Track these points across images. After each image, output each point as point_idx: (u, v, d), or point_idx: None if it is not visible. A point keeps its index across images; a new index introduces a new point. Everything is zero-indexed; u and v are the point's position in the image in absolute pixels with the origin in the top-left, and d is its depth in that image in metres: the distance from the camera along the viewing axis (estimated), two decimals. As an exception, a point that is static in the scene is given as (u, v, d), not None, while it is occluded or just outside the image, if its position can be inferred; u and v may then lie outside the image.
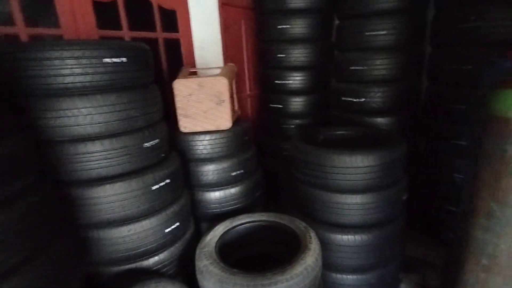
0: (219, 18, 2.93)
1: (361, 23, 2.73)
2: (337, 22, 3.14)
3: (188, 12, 2.70)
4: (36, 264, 1.21)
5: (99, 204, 1.57)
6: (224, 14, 3.00)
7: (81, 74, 1.36)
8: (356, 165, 1.84)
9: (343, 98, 2.85)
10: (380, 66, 2.68)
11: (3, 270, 1.11)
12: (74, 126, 1.43)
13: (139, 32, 2.34)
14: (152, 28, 2.49)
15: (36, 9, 2.04)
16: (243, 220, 2.04)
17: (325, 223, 2.03)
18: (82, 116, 1.42)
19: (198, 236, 2.13)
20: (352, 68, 2.78)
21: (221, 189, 2.28)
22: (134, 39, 2.28)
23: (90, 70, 1.37)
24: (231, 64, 2.40)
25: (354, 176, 1.87)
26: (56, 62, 1.31)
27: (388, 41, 2.67)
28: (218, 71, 2.37)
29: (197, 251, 1.74)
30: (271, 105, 3.33)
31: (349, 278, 2.06)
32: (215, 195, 2.27)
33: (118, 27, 2.21)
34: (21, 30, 1.69)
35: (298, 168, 2.13)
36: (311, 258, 1.62)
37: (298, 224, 1.90)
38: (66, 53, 1.31)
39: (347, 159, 1.85)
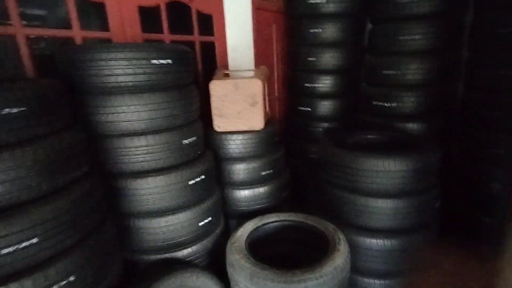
0: (252, 22, 3.01)
1: (395, 27, 2.71)
2: (369, 26, 3.13)
3: (224, 16, 2.80)
4: (88, 245, 1.33)
5: (140, 195, 1.68)
6: (257, 18, 3.08)
7: (132, 74, 1.48)
8: (388, 169, 1.84)
9: (373, 102, 2.84)
10: (414, 70, 2.64)
11: (63, 248, 1.23)
12: (123, 122, 1.55)
13: (178, 36, 2.47)
14: (190, 32, 2.61)
15: (87, 14, 2.21)
16: (272, 219, 2.08)
17: (354, 226, 2.03)
18: (131, 113, 1.53)
19: (226, 232, 2.20)
20: (385, 72, 2.76)
21: (250, 188, 2.34)
22: (173, 41, 2.41)
23: (139, 70, 1.49)
24: (264, 66, 2.48)
25: (386, 180, 1.87)
26: (111, 62, 1.43)
27: (423, 45, 2.63)
28: (251, 73, 2.45)
29: (228, 246, 1.81)
30: (299, 108, 3.36)
31: (377, 283, 2.05)
32: (244, 193, 2.34)
33: (160, 30, 2.35)
34: (77, 33, 1.85)
35: (327, 171, 2.16)
36: (340, 259, 1.64)
37: (326, 226, 1.92)
38: (120, 55, 1.43)
39: (379, 163, 1.85)
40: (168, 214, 1.76)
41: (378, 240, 1.95)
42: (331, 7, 2.96)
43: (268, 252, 2.19)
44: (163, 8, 2.30)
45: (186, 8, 2.55)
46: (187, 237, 1.85)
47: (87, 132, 1.54)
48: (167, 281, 1.52)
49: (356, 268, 2.04)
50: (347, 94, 3.27)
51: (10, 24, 1.62)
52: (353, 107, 3.32)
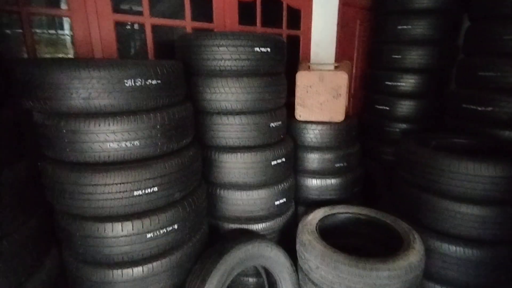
0: (337, 18, 3.04)
1: (499, 25, 2.48)
2: (467, 24, 2.90)
3: (311, 11, 2.89)
4: (189, 202, 1.57)
5: (229, 168, 1.89)
6: (342, 13, 3.10)
7: (237, 59, 1.67)
8: (479, 174, 1.74)
9: (464, 105, 2.64)
10: (518, 73, 2.40)
11: (172, 200, 1.49)
12: (223, 101, 1.76)
13: (268, 28, 2.65)
14: (278, 25, 2.76)
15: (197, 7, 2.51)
16: (343, 210, 2.13)
17: (431, 229, 1.97)
18: (231, 94, 1.74)
19: (295, 216, 2.31)
20: (481, 73, 2.55)
21: (323, 178, 2.41)
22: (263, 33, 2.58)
23: (243, 56, 1.68)
24: (347, 61, 2.50)
25: (475, 185, 1.77)
26: (222, 49, 1.65)
27: (532, 46, 2.36)
28: (332, 67, 2.50)
29: (300, 227, 1.92)
30: (377, 107, 3.29)
31: (450, 292, 1.96)
32: (316, 182, 2.41)
33: (253, 22, 2.55)
34: (188, 23, 2.14)
35: (407, 171, 2.11)
36: (414, 257, 1.63)
37: (400, 224, 1.90)
38: (229, 42, 1.64)
39: (470, 166, 1.76)
40: (250, 189, 1.94)
41: (458, 248, 1.86)
42: (424, 2, 2.83)
43: (336, 242, 2.24)
44: (258, 2, 2.49)
45: (277, 3, 2.70)
46: (263, 213, 2.01)
47: (194, 108, 1.79)
48: (247, 246, 1.69)
49: (429, 274, 1.97)
50: (431, 94, 3.10)
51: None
52: (437, 109, 3.12)
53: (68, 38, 1.91)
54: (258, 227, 2.00)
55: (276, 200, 2.03)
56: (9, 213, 1.17)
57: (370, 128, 3.39)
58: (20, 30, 1.59)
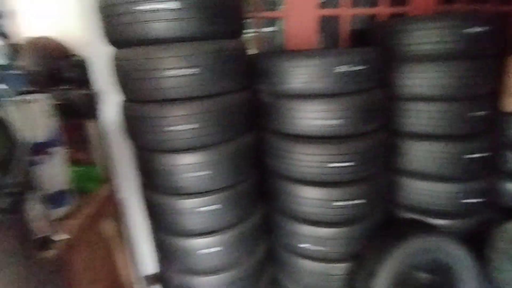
0: None
1: None
2: None
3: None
4: (375, 180, 1.68)
5: (414, 156, 1.84)
6: None
7: (441, 42, 1.59)
8: None
9: None
10: None
11: (362, 176, 1.63)
12: (420, 86, 1.71)
13: (472, 4, 2.30)
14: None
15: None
16: None
17: None
18: (429, 79, 1.68)
19: (485, 222, 1.99)
20: None
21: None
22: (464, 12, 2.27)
23: (449, 39, 1.58)
24: None
25: None
26: (428, 32, 1.61)
27: None
28: None
29: (498, 233, 1.68)
30: None
31: None
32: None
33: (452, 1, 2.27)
34: (381, 10, 2.17)
35: None
36: None
37: None
38: (430, 25, 1.58)
39: None
40: (434, 181, 1.83)
41: None
42: None
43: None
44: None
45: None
46: (445, 209, 1.85)
47: (388, 94, 1.79)
48: (428, 236, 1.66)
49: None
50: None
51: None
52: None
53: (277, 34, 2.32)
54: (436, 222, 1.89)
55: (464, 198, 1.84)
56: (245, 166, 1.64)
57: None
58: (251, 30, 2.10)
